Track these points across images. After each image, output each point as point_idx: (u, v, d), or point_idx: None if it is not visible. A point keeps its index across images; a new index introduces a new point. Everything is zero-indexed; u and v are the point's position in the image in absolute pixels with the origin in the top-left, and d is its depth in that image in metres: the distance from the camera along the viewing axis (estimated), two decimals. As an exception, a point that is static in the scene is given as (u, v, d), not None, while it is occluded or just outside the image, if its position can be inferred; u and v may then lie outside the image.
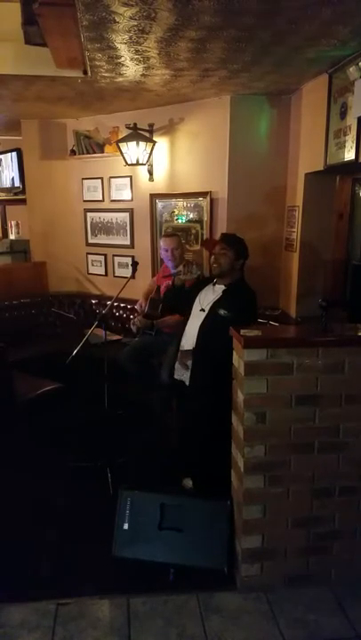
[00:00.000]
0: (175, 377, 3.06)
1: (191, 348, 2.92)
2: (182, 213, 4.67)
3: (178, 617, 2.29)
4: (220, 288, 2.93)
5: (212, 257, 2.92)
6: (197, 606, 2.35)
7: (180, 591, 2.43)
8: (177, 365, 3.08)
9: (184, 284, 3.12)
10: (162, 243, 4.05)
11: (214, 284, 2.98)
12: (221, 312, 2.81)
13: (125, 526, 2.58)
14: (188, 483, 3.15)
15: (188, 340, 2.98)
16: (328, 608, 2.35)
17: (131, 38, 2.71)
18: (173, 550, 2.51)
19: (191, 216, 4.61)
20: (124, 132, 4.54)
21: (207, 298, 2.94)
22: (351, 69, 2.87)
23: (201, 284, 3.06)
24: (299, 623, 2.26)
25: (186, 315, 3.10)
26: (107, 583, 2.48)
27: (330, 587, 2.47)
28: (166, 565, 2.50)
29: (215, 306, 2.86)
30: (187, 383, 2.97)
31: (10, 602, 2.36)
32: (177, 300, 3.17)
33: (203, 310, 2.92)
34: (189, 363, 2.93)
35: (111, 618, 2.29)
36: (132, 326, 3.99)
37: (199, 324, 2.92)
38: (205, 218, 4.46)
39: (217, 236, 4.30)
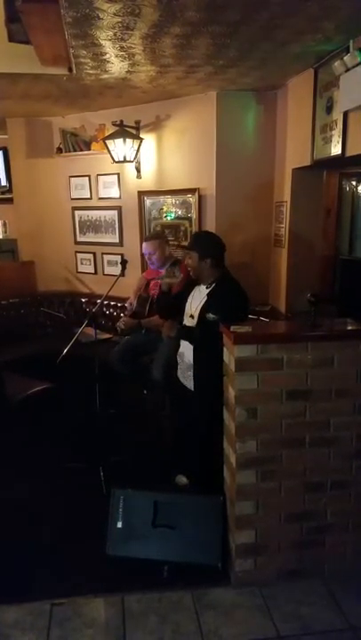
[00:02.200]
0: (181, 381, 3.03)
1: (190, 359, 2.88)
2: (171, 210, 4.66)
3: (173, 614, 2.29)
4: (205, 290, 2.84)
5: (185, 262, 2.91)
6: (192, 603, 2.36)
7: (174, 588, 2.43)
8: (179, 371, 3.05)
9: (170, 288, 3.07)
10: (143, 246, 3.99)
11: (200, 286, 2.90)
12: (210, 317, 2.71)
13: (119, 525, 2.58)
14: (181, 479, 3.16)
15: (186, 349, 2.91)
16: (322, 601, 2.37)
17: (115, 35, 2.69)
18: (167, 547, 2.51)
19: (180, 213, 4.60)
20: (110, 130, 4.51)
21: (195, 301, 2.87)
22: (336, 64, 2.87)
23: (190, 285, 2.96)
24: (293, 617, 2.28)
25: (179, 318, 3.04)
26: (101, 582, 2.47)
27: (323, 580, 2.49)
28: (161, 563, 2.50)
29: (203, 310, 2.77)
30: (190, 387, 2.95)
31: (4, 602, 2.35)
32: (168, 305, 3.13)
33: (192, 317, 2.85)
34: (190, 373, 2.92)
35: (106, 616, 2.29)
36: (117, 328, 3.97)
37: None
38: (194, 215, 4.45)
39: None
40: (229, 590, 2.44)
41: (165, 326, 3.04)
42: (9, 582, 2.48)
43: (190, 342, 2.86)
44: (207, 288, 2.83)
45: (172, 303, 3.08)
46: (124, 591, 2.41)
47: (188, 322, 2.91)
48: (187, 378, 2.95)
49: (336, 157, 3.17)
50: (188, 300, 2.94)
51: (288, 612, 2.31)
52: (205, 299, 2.79)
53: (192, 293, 2.93)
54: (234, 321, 2.45)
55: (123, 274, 3.76)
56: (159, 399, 3.81)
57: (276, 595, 2.40)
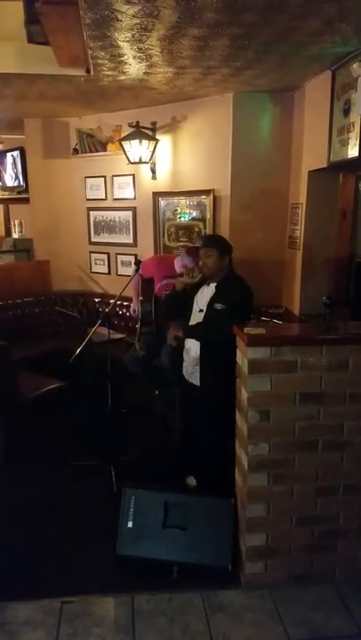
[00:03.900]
0: (187, 379, 3.05)
1: (197, 353, 2.93)
2: (185, 211, 4.66)
3: (182, 615, 2.29)
4: (213, 285, 2.96)
5: (200, 261, 2.96)
6: (201, 604, 2.35)
7: (184, 589, 2.43)
8: (185, 369, 3.07)
9: (185, 288, 3.11)
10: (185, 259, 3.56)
11: (208, 284, 3.00)
12: (218, 306, 2.84)
13: (129, 524, 2.59)
14: (192, 481, 3.16)
15: (192, 345, 2.97)
16: (332, 606, 2.35)
17: (133, 36, 2.70)
18: (177, 548, 2.52)
19: (194, 214, 4.60)
20: (126, 131, 4.53)
21: (203, 297, 2.97)
22: (355, 66, 2.86)
23: (196, 286, 3.06)
24: (303, 621, 2.26)
25: (185, 317, 3.09)
26: (111, 581, 2.48)
27: (334, 585, 2.47)
28: (170, 563, 2.50)
29: (211, 302, 2.89)
30: (197, 384, 2.97)
31: (15, 600, 2.37)
32: (178, 304, 3.15)
33: (201, 311, 2.94)
34: (196, 368, 2.94)
35: (115, 616, 2.30)
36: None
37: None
38: (208, 216, 4.45)
39: (221, 232, 4.32)
40: (239, 593, 2.43)
41: (172, 328, 3.08)
42: (20, 580, 2.50)
43: (197, 339, 2.93)
44: (216, 283, 2.94)
45: (182, 301, 3.12)
46: (134, 591, 2.42)
47: (197, 316, 2.97)
48: (193, 374, 2.97)
49: (353, 160, 3.14)
50: (196, 298, 3.02)
51: (298, 616, 2.29)
52: (214, 291, 2.93)
53: (200, 291, 3.02)
54: (239, 312, 2.63)
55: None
56: (170, 399, 3.81)
57: (286, 598, 2.39)
